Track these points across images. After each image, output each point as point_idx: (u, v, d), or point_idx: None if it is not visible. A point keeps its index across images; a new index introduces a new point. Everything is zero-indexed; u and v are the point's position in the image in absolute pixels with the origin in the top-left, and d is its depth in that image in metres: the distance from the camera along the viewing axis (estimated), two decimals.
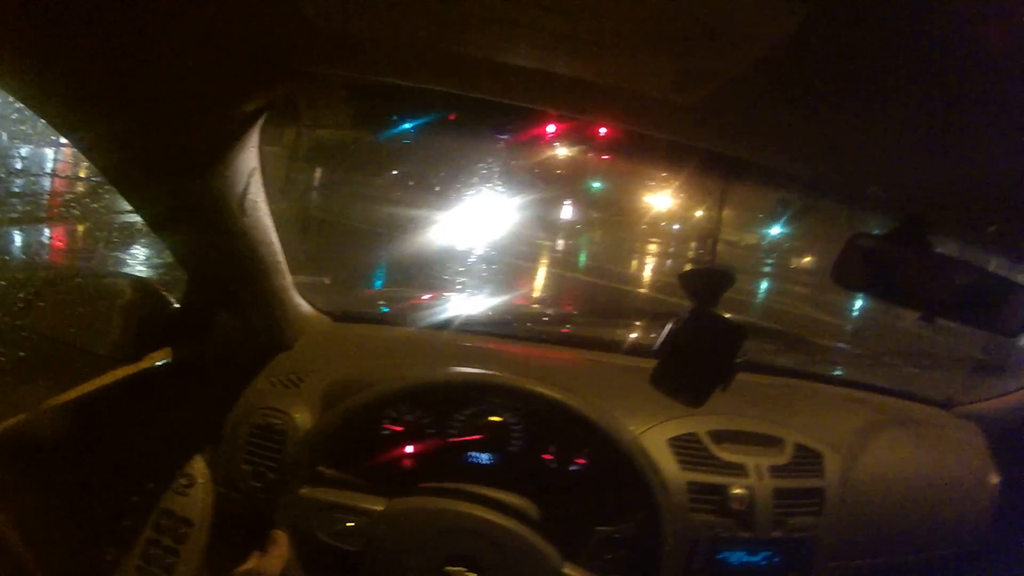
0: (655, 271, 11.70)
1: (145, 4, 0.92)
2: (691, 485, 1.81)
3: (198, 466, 1.89)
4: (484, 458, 1.95)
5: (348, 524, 1.64)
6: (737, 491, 1.80)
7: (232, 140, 1.33)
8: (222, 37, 1.04)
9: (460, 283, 5.02)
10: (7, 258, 4.83)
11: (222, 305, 1.89)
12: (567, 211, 12.04)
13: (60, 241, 5.59)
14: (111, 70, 1.02)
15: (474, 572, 1.60)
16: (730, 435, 1.92)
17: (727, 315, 1.42)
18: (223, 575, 1.54)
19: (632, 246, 12.57)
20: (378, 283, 5.52)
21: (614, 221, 13.06)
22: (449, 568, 1.60)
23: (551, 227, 11.08)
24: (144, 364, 1.82)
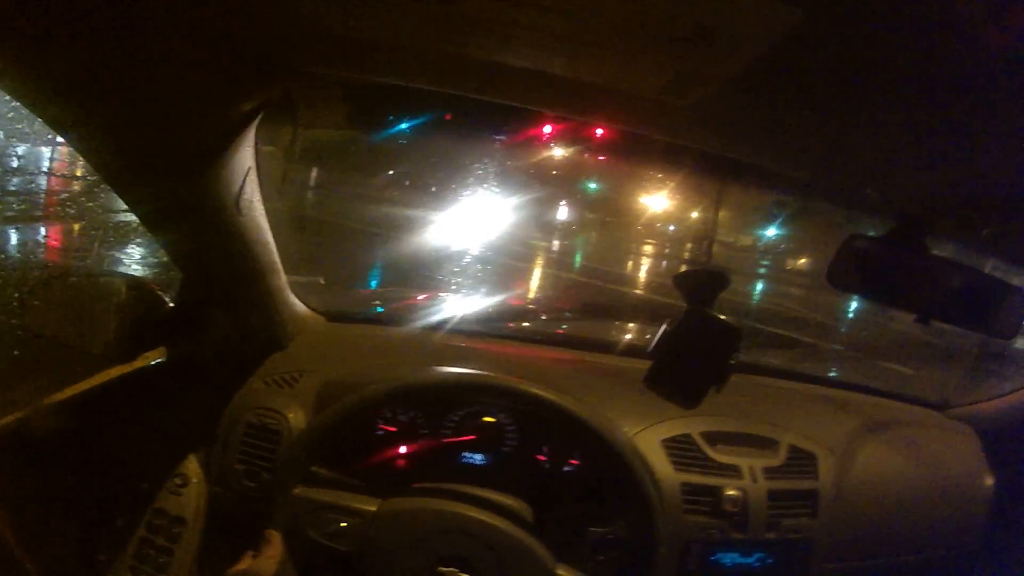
0: (650, 272, 11.70)
1: (142, 4, 0.92)
2: (685, 486, 1.81)
3: (192, 466, 1.89)
4: (478, 459, 1.95)
5: (342, 524, 1.64)
6: (731, 492, 1.80)
7: (228, 139, 1.33)
8: (219, 37, 1.04)
9: (455, 283, 5.03)
10: (2, 257, 4.83)
11: (217, 305, 1.89)
12: (563, 212, 12.07)
13: (55, 240, 5.57)
14: (108, 69, 1.02)
15: (467, 573, 1.60)
16: (724, 436, 1.93)
17: (722, 316, 1.42)
18: (217, 575, 1.54)
19: (628, 247, 12.59)
20: (373, 283, 5.52)
21: (610, 222, 13.10)
22: (442, 569, 1.60)
23: (546, 228, 11.11)
24: (138, 363, 1.82)
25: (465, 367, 1.86)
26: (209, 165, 1.34)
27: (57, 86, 1.05)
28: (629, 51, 0.95)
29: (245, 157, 1.43)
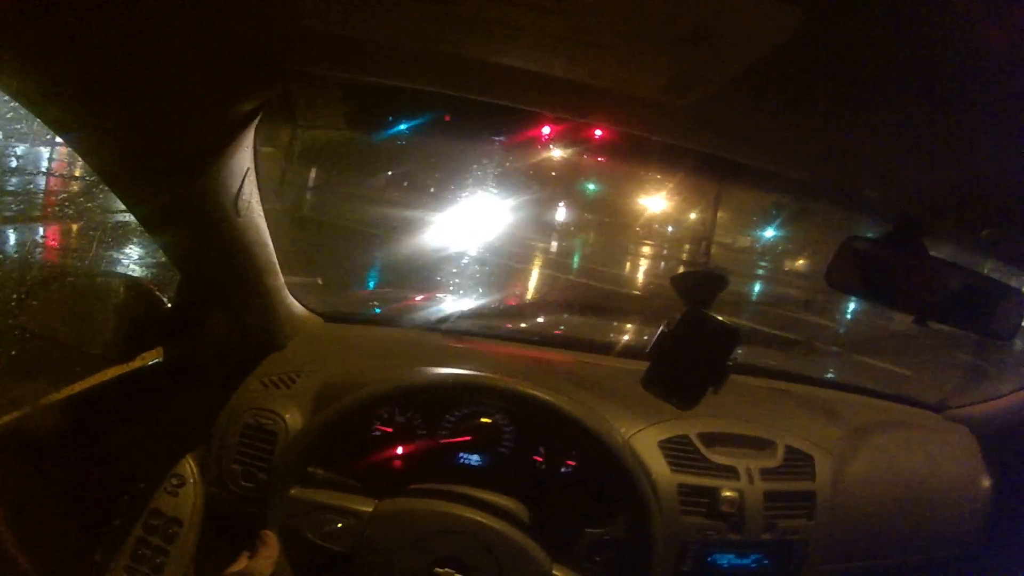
0: (649, 273, 11.71)
1: (141, 4, 0.91)
2: (681, 487, 1.81)
3: (188, 466, 1.88)
4: (474, 459, 1.95)
5: (338, 525, 1.64)
6: (727, 494, 1.81)
7: (227, 140, 1.33)
8: (218, 37, 1.04)
9: (453, 284, 5.04)
10: (1, 257, 4.83)
11: (215, 305, 1.89)
12: (561, 213, 12.09)
13: (54, 240, 5.57)
14: (107, 69, 1.02)
15: (463, 574, 1.60)
16: (721, 438, 1.93)
17: (720, 317, 1.42)
18: (213, 575, 1.54)
19: (626, 248, 12.59)
20: (371, 284, 5.53)
21: (608, 223, 13.10)
22: (438, 570, 1.60)
23: (545, 229, 11.12)
24: (136, 364, 1.82)
25: (462, 368, 1.86)
26: (208, 166, 1.34)
27: (56, 87, 1.05)
28: (629, 52, 0.95)
29: (244, 158, 1.43)
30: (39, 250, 5.34)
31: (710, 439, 1.91)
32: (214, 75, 1.13)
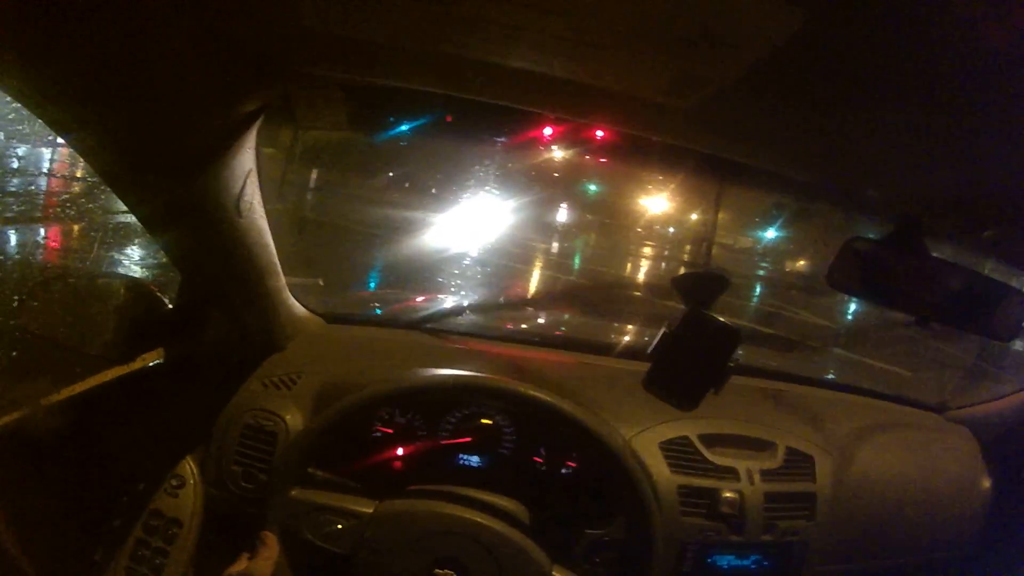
0: (649, 274, 11.69)
1: (142, 5, 0.91)
2: (681, 489, 1.81)
3: (188, 467, 1.88)
4: (474, 460, 1.95)
5: (338, 526, 1.64)
6: (728, 495, 1.81)
7: (229, 141, 1.32)
8: (219, 37, 1.04)
9: (454, 285, 5.03)
10: (1, 257, 4.83)
11: (215, 306, 1.89)
12: (562, 214, 12.06)
13: (55, 241, 5.58)
14: (109, 71, 1.02)
15: (462, 575, 1.60)
16: (722, 439, 1.93)
17: (721, 318, 1.42)
18: None
19: (627, 249, 12.57)
20: (372, 285, 5.52)
21: (609, 224, 13.08)
22: (437, 571, 1.60)
23: (546, 230, 11.10)
24: (137, 364, 1.82)
25: (463, 369, 1.87)
26: (210, 167, 1.34)
27: (58, 87, 1.05)
28: (631, 53, 0.95)
29: (246, 159, 1.43)
30: (40, 251, 5.34)
31: (710, 440, 1.91)
32: (215, 75, 1.13)
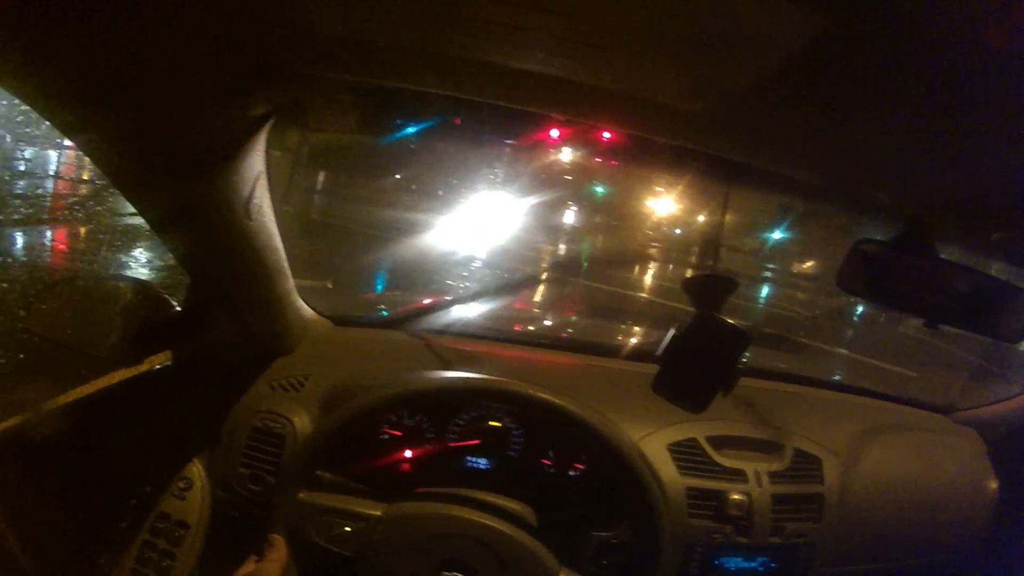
0: (657, 276, 11.69)
1: (152, 7, 0.91)
2: (690, 491, 1.81)
3: (196, 469, 1.88)
4: (482, 463, 1.94)
5: (346, 528, 1.64)
6: (736, 497, 1.80)
7: (239, 144, 1.32)
8: (226, 39, 1.04)
9: (462, 287, 5.03)
10: (9, 260, 4.84)
11: (223, 308, 1.88)
12: (570, 216, 12.07)
13: (62, 243, 5.60)
14: (117, 71, 1.02)
15: None
16: (730, 441, 1.92)
17: (730, 321, 1.42)
18: None
19: (635, 251, 12.56)
20: (380, 287, 5.53)
21: (617, 226, 13.08)
22: (445, 573, 1.60)
23: (554, 232, 11.11)
24: (144, 367, 1.82)
25: (471, 371, 1.86)
26: (220, 170, 1.34)
27: (67, 90, 1.05)
28: (645, 57, 0.95)
29: (256, 162, 1.42)
30: (47, 253, 5.36)
31: (718, 442, 1.90)
32: (220, 77, 1.13)
